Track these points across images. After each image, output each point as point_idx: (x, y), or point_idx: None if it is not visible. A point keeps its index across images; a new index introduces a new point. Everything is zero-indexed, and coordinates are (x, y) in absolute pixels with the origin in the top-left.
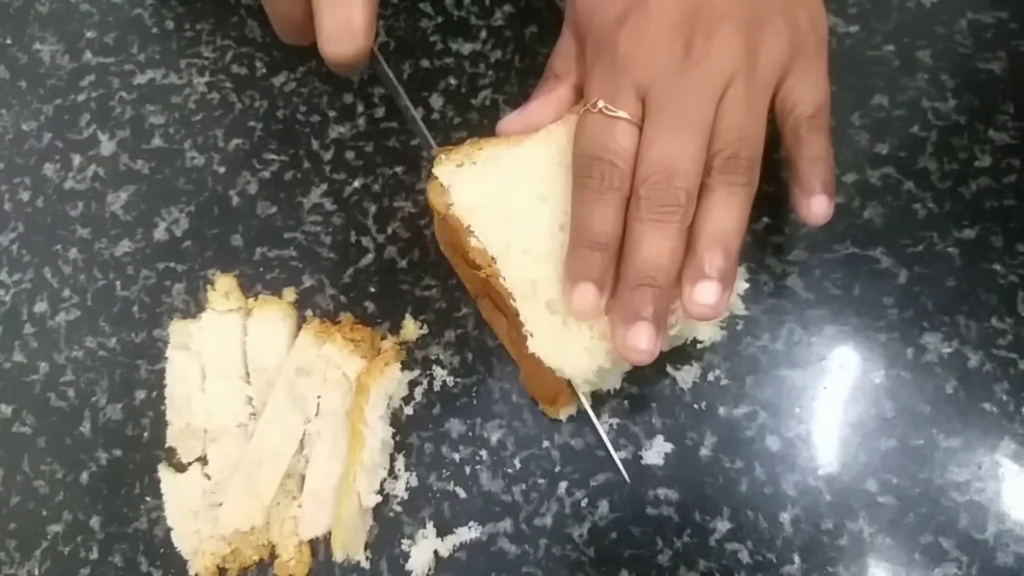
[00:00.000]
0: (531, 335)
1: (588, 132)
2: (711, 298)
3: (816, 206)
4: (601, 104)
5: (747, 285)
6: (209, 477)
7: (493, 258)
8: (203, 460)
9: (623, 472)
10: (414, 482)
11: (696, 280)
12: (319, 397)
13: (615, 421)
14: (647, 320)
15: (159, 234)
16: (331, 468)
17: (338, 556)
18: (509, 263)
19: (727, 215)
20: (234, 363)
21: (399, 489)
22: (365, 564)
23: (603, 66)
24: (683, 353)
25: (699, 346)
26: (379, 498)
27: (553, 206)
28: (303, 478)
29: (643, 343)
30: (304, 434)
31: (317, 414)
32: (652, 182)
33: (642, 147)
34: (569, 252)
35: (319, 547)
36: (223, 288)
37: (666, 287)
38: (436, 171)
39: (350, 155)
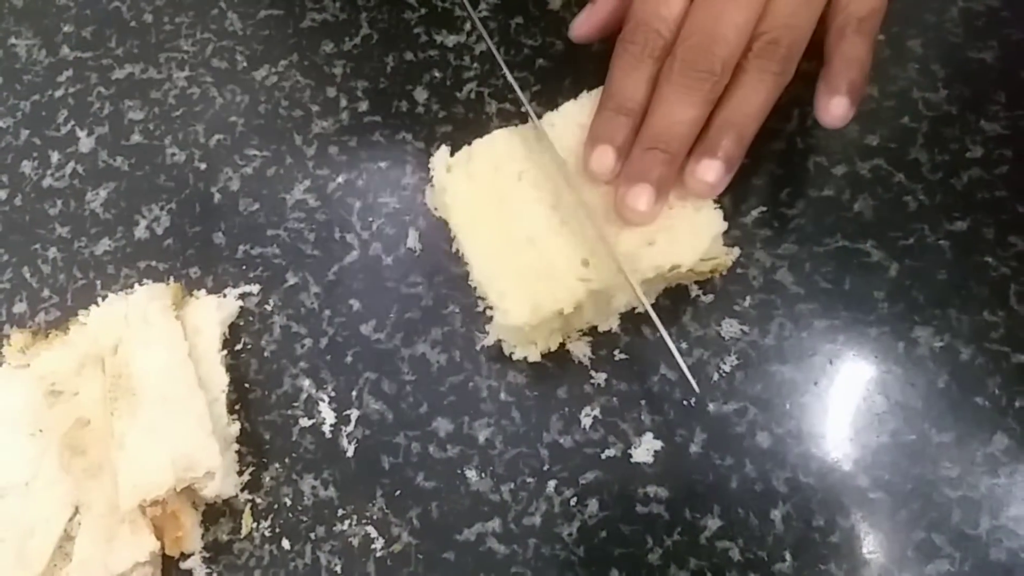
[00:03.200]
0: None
1: None
2: (712, 176)
3: (836, 107)
4: None
5: (726, 226)
6: None
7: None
8: None
9: (691, 381)
10: (401, 482)
11: (702, 157)
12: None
13: (602, 418)
14: (650, 183)
15: (140, 232)
16: (100, 538)
17: None
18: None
19: (750, 100)
20: (26, 419)
21: (387, 489)
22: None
23: None
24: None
25: (684, 344)
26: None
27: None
28: None
29: (642, 204)
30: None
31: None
32: (691, 44)
33: (691, 9)
34: (597, 113)
35: None
36: (18, 344)
37: (677, 155)
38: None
39: (333, 150)
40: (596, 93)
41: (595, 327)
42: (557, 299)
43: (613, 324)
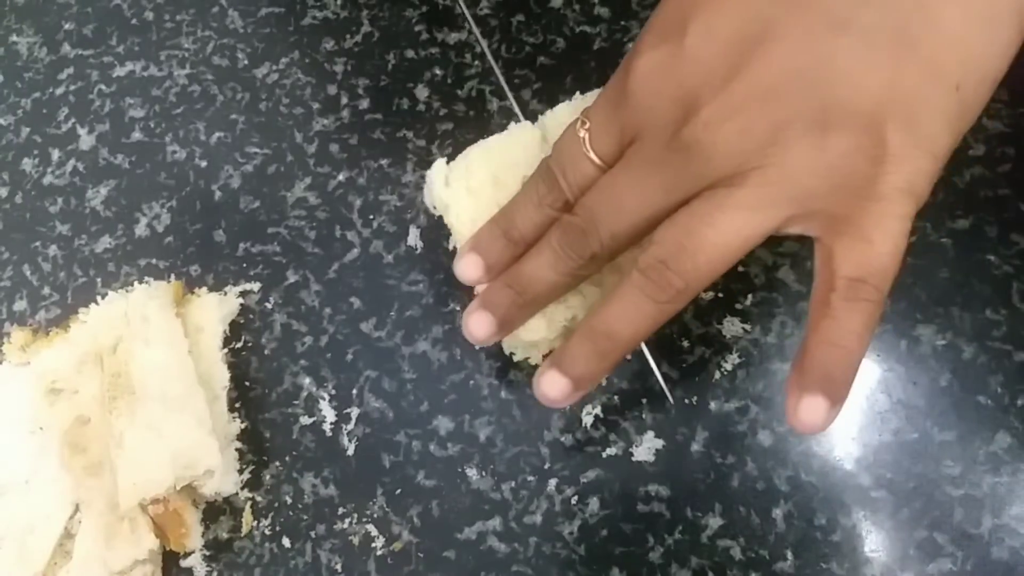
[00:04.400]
0: None
1: (563, 148)
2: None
3: (805, 411)
4: (584, 134)
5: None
6: None
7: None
8: None
9: (667, 393)
10: (402, 480)
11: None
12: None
13: (604, 416)
14: (496, 317)
15: (140, 230)
16: (100, 536)
17: None
18: None
19: (621, 312)
20: (27, 417)
21: (388, 487)
22: (336, 563)
23: (614, 87)
24: (673, 348)
25: (685, 342)
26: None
27: None
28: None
29: (480, 332)
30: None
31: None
32: (569, 222)
33: (596, 183)
34: (487, 223)
35: None
36: (19, 342)
37: (531, 305)
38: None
39: (334, 148)
40: (592, 95)
41: None
42: (570, 305)
43: None
